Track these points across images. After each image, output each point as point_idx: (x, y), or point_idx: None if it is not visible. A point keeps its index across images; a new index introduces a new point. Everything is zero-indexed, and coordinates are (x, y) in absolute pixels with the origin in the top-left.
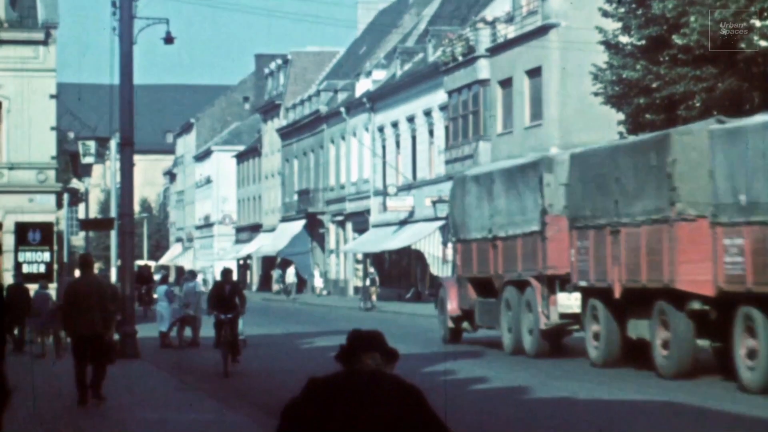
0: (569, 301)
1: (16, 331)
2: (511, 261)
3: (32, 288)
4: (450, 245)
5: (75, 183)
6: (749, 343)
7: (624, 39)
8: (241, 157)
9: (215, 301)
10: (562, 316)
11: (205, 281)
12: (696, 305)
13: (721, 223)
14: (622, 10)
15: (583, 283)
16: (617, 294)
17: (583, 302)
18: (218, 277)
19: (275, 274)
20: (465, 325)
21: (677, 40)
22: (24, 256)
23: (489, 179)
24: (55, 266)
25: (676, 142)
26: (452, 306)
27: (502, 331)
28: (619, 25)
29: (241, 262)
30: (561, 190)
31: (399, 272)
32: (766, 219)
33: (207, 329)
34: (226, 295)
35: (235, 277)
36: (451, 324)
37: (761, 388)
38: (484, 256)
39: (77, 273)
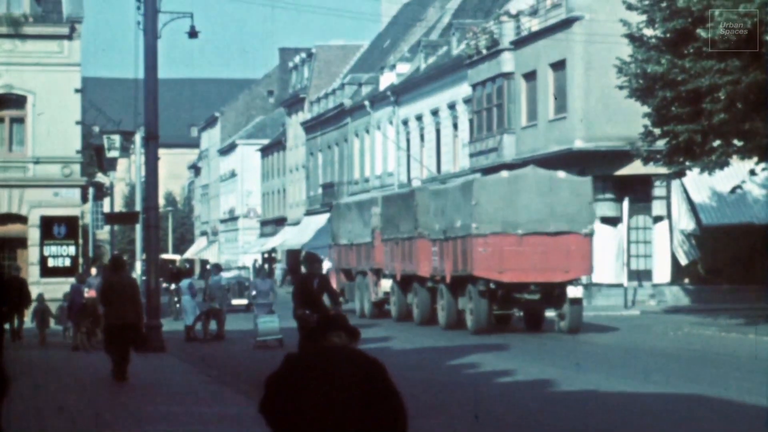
0: (387, 284)
1: (16, 323)
2: (359, 259)
3: (58, 281)
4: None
5: (100, 177)
6: (441, 303)
7: (648, 32)
8: (265, 151)
9: (304, 298)
10: (384, 293)
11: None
12: (429, 283)
13: (431, 240)
14: (646, 2)
15: (387, 273)
16: (398, 278)
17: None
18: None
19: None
20: (341, 299)
21: (702, 33)
22: (49, 250)
23: (350, 207)
24: (81, 260)
25: (417, 194)
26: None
27: (355, 303)
28: (644, 17)
29: (266, 255)
30: (379, 217)
31: None
32: (441, 237)
33: (231, 323)
34: (315, 290)
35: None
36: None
37: (447, 326)
38: (347, 256)
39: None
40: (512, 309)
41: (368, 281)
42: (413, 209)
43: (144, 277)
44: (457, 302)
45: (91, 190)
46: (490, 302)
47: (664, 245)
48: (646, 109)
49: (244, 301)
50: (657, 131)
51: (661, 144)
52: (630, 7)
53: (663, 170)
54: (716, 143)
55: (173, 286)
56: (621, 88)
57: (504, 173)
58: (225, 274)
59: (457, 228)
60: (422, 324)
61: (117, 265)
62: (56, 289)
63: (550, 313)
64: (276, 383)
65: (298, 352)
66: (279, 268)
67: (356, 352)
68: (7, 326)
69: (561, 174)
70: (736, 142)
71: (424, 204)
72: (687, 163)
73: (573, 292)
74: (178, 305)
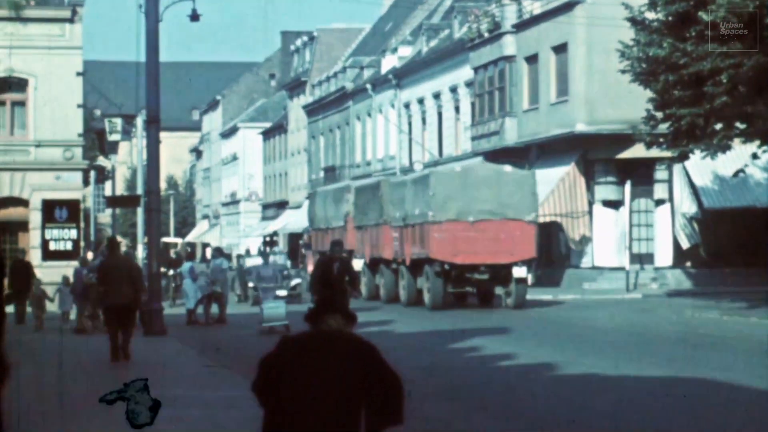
0: (359, 265)
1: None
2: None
3: (60, 264)
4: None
5: (101, 160)
6: (402, 283)
7: (650, 15)
8: (267, 134)
9: (323, 283)
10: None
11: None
12: (393, 265)
13: (392, 226)
14: None
15: (358, 256)
16: (368, 260)
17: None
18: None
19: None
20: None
21: (704, 16)
22: (51, 233)
23: (326, 194)
24: (82, 243)
25: (383, 186)
26: (310, 268)
27: None
28: (646, 0)
29: (267, 239)
30: (352, 204)
31: None
32: (401, 224)
33: (233, 306)
34: (336, 275)
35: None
36: (309, 278)
37: (407, 303)
38: (323, 239)
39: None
40: (465, 287)
41: None
42: (379, 199)
43: (145, 261)
44: (416, 282)
45: (92, 174)
46: (445, 282)
47: (666, 229)
48: (648, 92)
49: (283, 292)
50: (659, 115)
51: (663, 127)
52: None
53: (665, 154)
54: (718, 126)
55: (171, 272)
56: (624, 72)
57: (457, 167)
58: (258, 261)
59: (415, 216)
60: (388, 302)
61: (112, 247)
62: (58, 273)
63: (499, 292)
64: (270, 364)
65: (294, 334)
66: (278, 252)
67: (351, 336)
68: (11, 309)
69: (507, 168)
70: (738, 125)
71: (388, 194)
72: (689, 147)
73: (518, 272)
74: (173, 291)
